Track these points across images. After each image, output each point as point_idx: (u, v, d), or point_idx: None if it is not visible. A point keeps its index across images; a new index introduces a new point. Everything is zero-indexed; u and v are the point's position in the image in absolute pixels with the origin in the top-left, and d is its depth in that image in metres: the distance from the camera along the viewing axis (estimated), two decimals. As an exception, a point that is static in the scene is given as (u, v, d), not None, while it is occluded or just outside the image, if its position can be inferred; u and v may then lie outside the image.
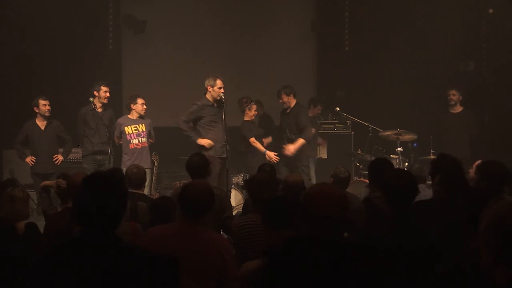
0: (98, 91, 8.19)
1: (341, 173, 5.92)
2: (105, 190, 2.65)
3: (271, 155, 8.18)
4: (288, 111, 8.49)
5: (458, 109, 9.25)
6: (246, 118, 8.67)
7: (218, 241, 3.61)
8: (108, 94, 8.25)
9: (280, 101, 8.47)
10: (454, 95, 9.18)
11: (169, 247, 3.35)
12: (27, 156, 8.28)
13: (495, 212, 2.32)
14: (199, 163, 5.41)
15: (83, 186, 2.69)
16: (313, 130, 8.84)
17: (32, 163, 8.25)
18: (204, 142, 7.68)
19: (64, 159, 8.49)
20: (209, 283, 3.43)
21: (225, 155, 7.67)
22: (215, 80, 7.67)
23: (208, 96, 7.74)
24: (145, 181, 5.97)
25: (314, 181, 8.59)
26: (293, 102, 8.45)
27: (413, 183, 3.46)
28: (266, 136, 9.01)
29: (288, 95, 8.42)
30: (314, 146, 9.31)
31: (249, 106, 8.73)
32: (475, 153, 8.60)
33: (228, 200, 5.61)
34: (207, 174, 5.47)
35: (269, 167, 5.82)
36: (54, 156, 8.35)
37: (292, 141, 8.32)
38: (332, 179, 5.84)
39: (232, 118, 7.89)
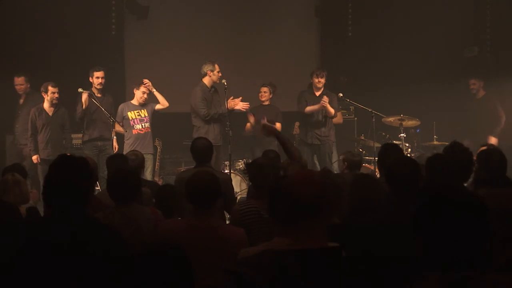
0: (92, 77, 8.29)
1: (354, 157, 5.95)
2: (70, 171, 2.70)
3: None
4: (317, 93, 8.63)
5: (481, 94, 9.32)
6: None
7: (233, 235, 3.55)
8: (100, 80, 8.30)
9: (321, 80, 8.58)
10: (474, 84, 9.31)
11: (182, 243, 3.29)
12: (36, 153, 8.24)
13: (495, 199, 2.34)
14: (206, 146, 5.43)
15: (50, 168, 2.74)
16: (340, 119, 9.20)
17: (38, 161, 8.24)
18: (233, 103, 7.98)
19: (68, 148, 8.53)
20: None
21: (220, 143, 7.78)
22: (213, 65, 8.01)
23: (205, 80, 8.02)
24: (143, 166, 6.20)
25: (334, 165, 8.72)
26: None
27: (417, 171, 3.47)
28: None
29: (326, 78, 8.64)
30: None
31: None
32: (502, 137, 8.72)
33: (230, 183, 5.58)
34: (211, 159, 5.50)
35: (273, 153, 5.77)
36: None
37: (323, 123, 8.60)
38: (346, 163, 5.85)
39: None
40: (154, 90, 8.36)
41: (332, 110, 8.50)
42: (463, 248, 1.95)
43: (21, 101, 8.85)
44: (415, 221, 2.04)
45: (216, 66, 8.02)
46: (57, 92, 8.24)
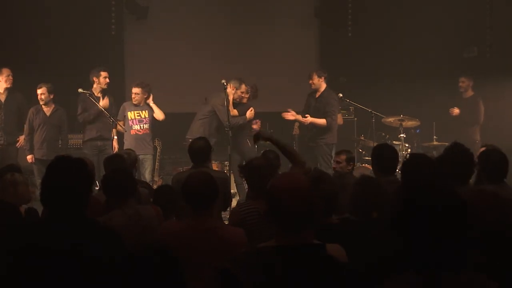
0: (98, 77, 8.25)
1: (353, 154, 6.02)
2: (68, 172, 2.68)
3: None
4: (316, 95, 8.48)
5: (469, 94, 9.36)
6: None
7: (233, 235, 3.53)
8: (107, 80, 8.31)
9: (310, 81, 8.43)
10: (463, 82, 9.34)
11: (182, 245, 3.29)
12: (31, 153, 8.24)
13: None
14: (202, 147, 5.40)
15: (47, 170, 2.72)
16: (340, 120, 8.82)
17: (32, 161, 8.24)
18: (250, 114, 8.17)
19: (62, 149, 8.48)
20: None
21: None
22: (241, 84, 8.17)
23: (229, 92, 7.97)
24: (135, 166, 6.17)
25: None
26: (323, 86, 8.45)
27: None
28: None
29: (319, 77, 8.42)
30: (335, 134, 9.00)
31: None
32: (484, 137, 8.71)
33: (228, 182, 5.62)
34: (208, 159, 5.46)
35: (273, 154, 5.74)
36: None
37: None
38: (351, 163, 5.89)
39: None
40: (151, 102, 8.38)
41: (320, 122, 8.30)
42: (439, 248, 1.95)
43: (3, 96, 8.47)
44: (392, 222, 2.04)
45: (243, 86, 8.17)
46: (44, 93, 8.18)
